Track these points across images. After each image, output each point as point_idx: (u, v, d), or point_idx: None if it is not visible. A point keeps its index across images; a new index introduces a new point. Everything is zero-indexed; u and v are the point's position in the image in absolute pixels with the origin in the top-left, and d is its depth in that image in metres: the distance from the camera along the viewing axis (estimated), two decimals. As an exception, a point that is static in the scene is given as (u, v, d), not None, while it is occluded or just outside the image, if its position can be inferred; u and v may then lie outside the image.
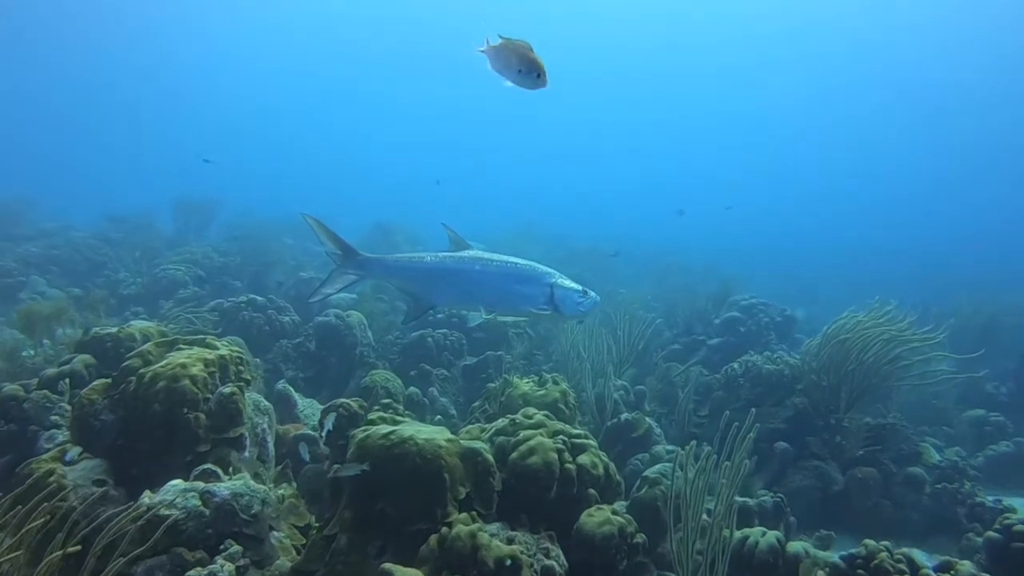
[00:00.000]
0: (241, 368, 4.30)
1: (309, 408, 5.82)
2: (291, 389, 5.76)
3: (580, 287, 4.40)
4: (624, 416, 5.58)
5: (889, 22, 47.50)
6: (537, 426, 3.81)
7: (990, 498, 5.67)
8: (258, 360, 6.99)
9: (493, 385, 5.14)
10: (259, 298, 7.77)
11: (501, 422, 3.95)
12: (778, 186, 56.44)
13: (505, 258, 4.41)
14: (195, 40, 51.13)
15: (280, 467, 4.58)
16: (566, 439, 3.74)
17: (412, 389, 6.34)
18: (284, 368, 7.20)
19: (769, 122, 60.68)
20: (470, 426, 4.22)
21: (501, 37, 3.48)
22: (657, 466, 5.04)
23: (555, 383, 4.81)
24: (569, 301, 4.33)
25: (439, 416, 6.17)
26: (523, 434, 3.69)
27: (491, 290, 4.34)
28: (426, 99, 60.95)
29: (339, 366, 7.01)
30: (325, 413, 4.47)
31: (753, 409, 3.72)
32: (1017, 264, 26.55)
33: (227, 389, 3.96)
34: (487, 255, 4.42)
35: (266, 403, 4.40)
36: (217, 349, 4.28)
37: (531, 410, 4.05)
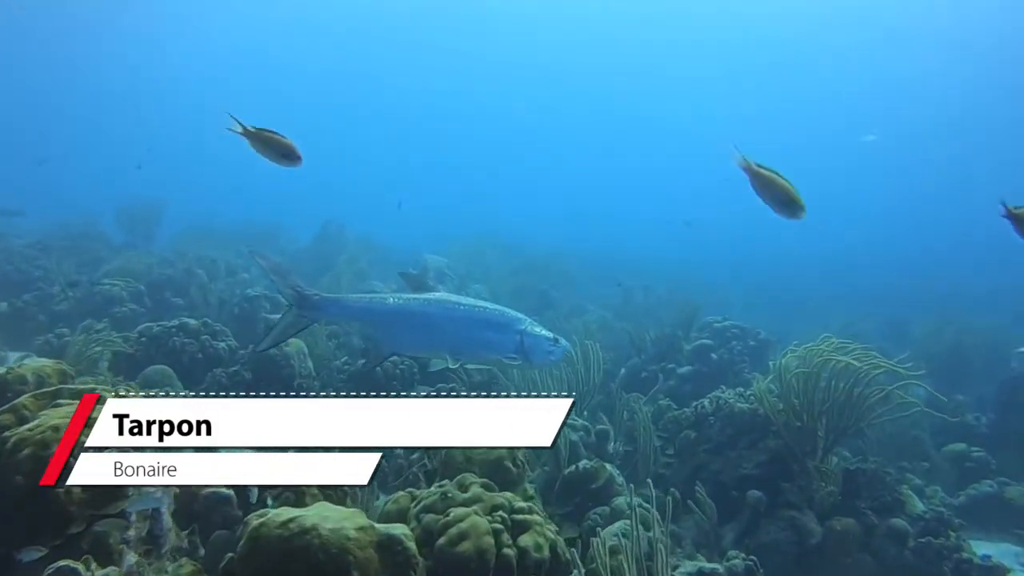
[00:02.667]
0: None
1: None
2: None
3: (551, 334, 4.11)
4: (583, 465, 5.06)
5: (872, 31, 47.79)
6: (472, 501, 3.27)
7: (978, 553, 5.28)
8: (186, 392, 6.39)
9: (434, 435, 4.58)
10: (192, 322, 7.12)
11: (431, 493, 3.41)
12: (748, 196, 56.47)
13: (473, 302, 4.12)
14: (150, 37, 49.67)
15: (187, 532, 3.99)
16: (506, 516, 3.21)
17: (352, 429, 5.76)
18: (217, 400, 6.58)
19: (743, 129, 60.95)
20: (400, 494, 3.66)
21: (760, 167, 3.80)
22: (617, 524, 4.55)
23: (502, 436, 4.25)
24: (539, 350, 4.05)
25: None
26: (454, 513, 3.14)
27: (457, 336, 4.02)
28: (389, 98, 60.35)
29: (275, 400, 6.38)
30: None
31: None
32: (988, 277, 26.64)
33: (109, 454, 3.36)
34: (454, 298, 4.10)
35: (162, 465, 3.78)
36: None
37: (468, 478, 3.50)
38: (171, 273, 10.53)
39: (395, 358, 7.06)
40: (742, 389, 6.21)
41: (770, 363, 6.23)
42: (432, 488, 3.55)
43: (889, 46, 48.99)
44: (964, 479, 7.20)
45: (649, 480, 4.17)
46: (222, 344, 7.11)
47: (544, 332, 4.08)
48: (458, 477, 3.54)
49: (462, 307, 4.02)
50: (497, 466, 4.06)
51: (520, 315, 4.13)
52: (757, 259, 27.66)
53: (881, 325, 15.18)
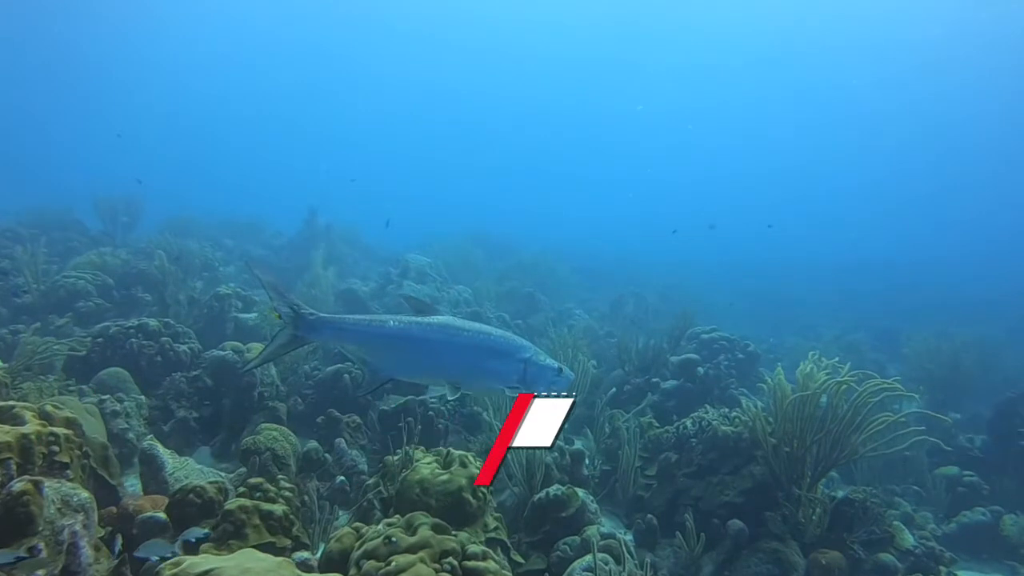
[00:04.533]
0: (55, 448, 3.38)
1: (183, 469, 4.88)
2: (158, 448, 4.81)
3: (555, 364, 3.86)
4: (553, 491, 4.74)
5: (875, 40, 47.53)
6: (419, 546, 2.94)
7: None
8: (142, 398, 6.04)
9: (391, 458, 4.26)
10: (152, 322, 6.76)
11: (376, 534, 3.08)
12: (741, 197, 56.50)
13: (477, 327, 3.85)
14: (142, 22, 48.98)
15: (116, 563, 3.65)
16: (455, 564, 2.89)
17: (311, 444, 5.45)
18: (175, 407, 6.24)
19: (737, 130, 60.69)
20: (345, 531, 3.34)
21: None
22: (585, 559, 4.24)
23: (463, 464, 3.93)
24: (543, 380, 3.82)
25: (341, 478, 5.29)
26: (396, 562, 2.82)
27: (459, 364, 3.77)
28: (384, 92, 59.88)
29: (234, 410, 6.06)
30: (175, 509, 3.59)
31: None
32: (980, 286, 26.48)
33: (18, 486, 3.01)
34: (458, 323, 3.84)
35: (82, 496, 3.44)
36: (24, 425, 3.35)
37: (418, 518, 3.18)
38: (144, 267, 10.15)
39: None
40: (727, 410, 5.90)
41: (764, 382, 5.90)
42: (379, 526, 3.23)
43: (881, 50, 48.77)
44: (956, 504, 6.93)
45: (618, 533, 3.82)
46: (183, 347, 6.77)
47: (549, 361, 3.86)
48: (407, 516, 3.21)
49: (465, 333, 3.79)
50: (455, 499, 3.75)
51: (525, 342, 3.92)
52: (752, 263, 27.43)
53: (873, 336, 14.96)
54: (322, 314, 3.80)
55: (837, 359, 5.43)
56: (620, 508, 6.00)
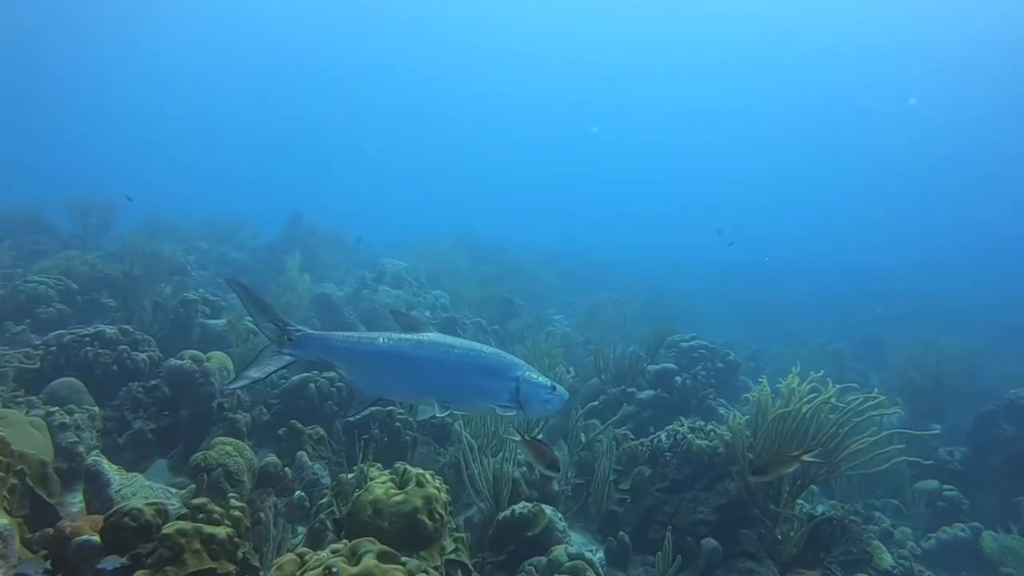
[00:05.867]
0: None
1: (130, 486, 4.63)
2: (103, 464, 4.56)
3: (549, 382, 3.74)
4: (518, 509, 4.54)
5: (865, 45, 47.92)
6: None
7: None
8: (96, 409, 5.78)
9: (346, 476, 4.05)
10: (109, 330, 6.50)
11: (318, 562, 2.87)
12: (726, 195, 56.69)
13: (468, 345, 3.74)
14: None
15: (48, 587, 3.43)
16: (400, 597, 2.68)
17: (270, 459, 5.22)
18: (132, 418, 5.99)
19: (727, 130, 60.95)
20: (288, 557, 3.11)
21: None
22: (553, 580, 4.06)
23: (419, 483, 3.73)
24: (536, 399, 3.70)
25: (300, 494, 5.06)
26: (335, 595, 2.61)
27: (449, 383, 3.66)
28: (370, 92, 59.70)
29: (192, 422, 5.81)
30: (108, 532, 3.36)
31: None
32: (963, 291, 26.60)
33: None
34: (448, 340, 3.72)
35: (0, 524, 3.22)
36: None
37: (363, 544, 2.97)
38: (111, 271, 9.87)
39: (332, 374, 6.54)
40: (702, 423, 5.73)
41: (746, 392, 5.74)
42: (323, 553, 3.02)
43: (868, 56, 49.22)
44: (936, 519, 6.82)
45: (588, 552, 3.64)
46: (142, 355, 6.52)
47: (541, 379, 3.74)
48: (353, 543, 3.00)
49: (455, 350, 3.67)
50: (410, 520, 3.54)
51: (517, 360, 3.80)
52: (737, 269, 27.42)
53: (856, 344, 14.90)
54: (309, 331, 3.65)
55: (823, 372, 5.29)
56: (593, 524, 5.81)
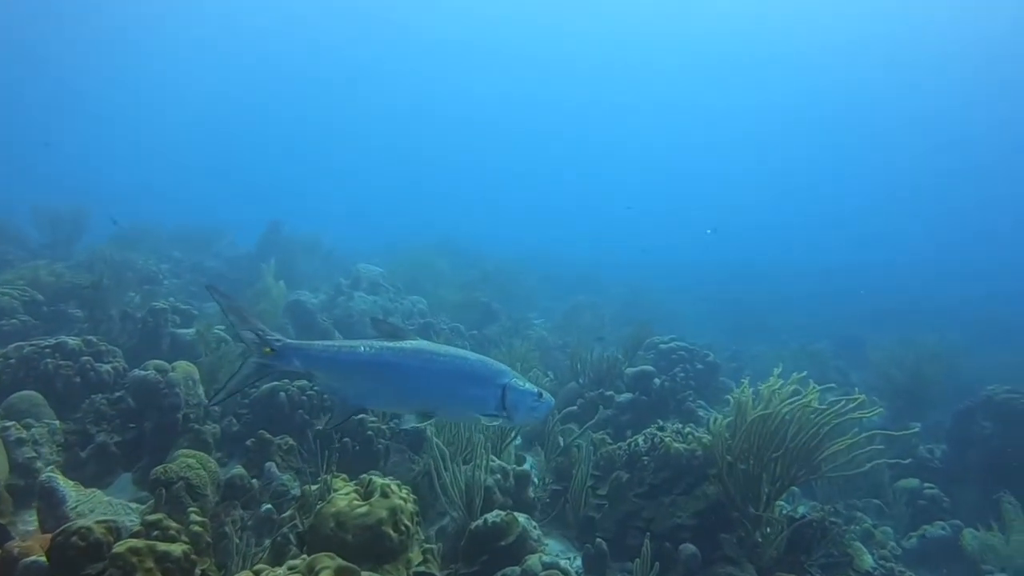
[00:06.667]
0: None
1: (88, 502, 4.46)
2: (57, 480, 4.39)
3: (535, 389, 3.67)
4: (491, 518, 4.42)
5: (853, 45, 48.33)
6: (318, 595, 2.61)
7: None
8: (56, 423, 5.59)
9: (310, 487, 3.91)
10: (71, 340, 6.31)
11: (273, 580, 2.74)
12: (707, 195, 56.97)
13: (453, 352, 3.68)
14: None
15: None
16: (358, 616, 2.56)
17: (236, 470, 5.05)
18: (95, 431, 5.79)
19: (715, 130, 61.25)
20: (244, 574, 2.98)
21: None
22: (525, 594, 3.94)
23: (384, 494, 3.60)
24: (523, 406, 3.64)
25: (268, 506, 4.91)
26: (288, 616, 2.48)
27: (435, 391, 3.59)
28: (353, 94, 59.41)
29: (156, 434, 5.64)
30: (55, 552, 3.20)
31: None
32: (942, 290, 26.84)
33: None
34: (432, 348, 3.66)
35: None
36: None
37: (320, 560, 2.84)
38: (79, 281, 9.63)
39: (303, 382, 6.39)
40: (680, 426, 5.64)
41: (727, 394, 5.66)
42: (280, 570, 2.89)
43: (852, 54, 49.68)
44: (917, 518, 6.79)
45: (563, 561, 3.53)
46: (106, 366, 6.33)
47: (528, 386, 3.68)
48: (310, 559, 2.87)
49: (440, 358, 3.60)
50: (374, 533, 3.41)
51: (503, 366, 3.75)
52: (719, 267, 27.52)
53: (836, 343, 14.94)
54: (289, 341, 3.55)
55: (806, 372, 5.21)
56: (571, 530, 5.70)
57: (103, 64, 51.92)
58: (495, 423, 3.71)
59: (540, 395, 3.68)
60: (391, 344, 3.57)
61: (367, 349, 3.54)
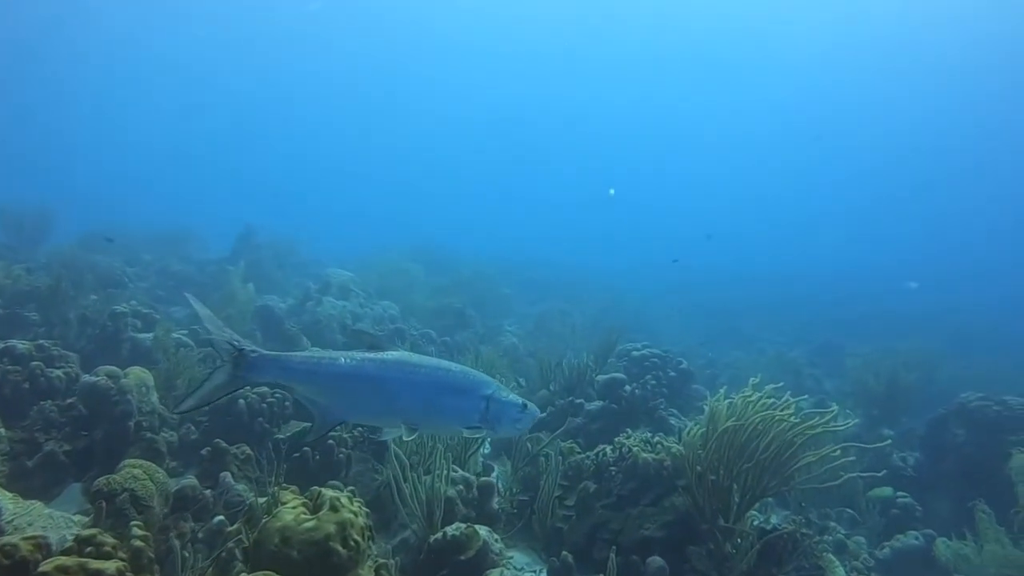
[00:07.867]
0: None
1: (26, 515, 4.22)
2: (-7, 492, 4.16)
3: (519, 400, 3.60)
4: (451, 532, 4.26)
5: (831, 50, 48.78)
6: (249, 618, 2.43)
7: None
8: (2, 431, 5.35)
9: (257, 500, 3.73)
10: (21, 345, 6.07)
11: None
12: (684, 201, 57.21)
13: (435, 363, 3.63)
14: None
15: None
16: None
17: (188, 481, 4.85)
18: (43, 439, 5.55)
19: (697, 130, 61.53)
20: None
21: None
22: (486, 610, 3.78)
23: (334, 508, 3.41)
24: (506, 418, 3.58)
25: (219, 517, 4.70)
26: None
27: (417, 403, 3.49)
28: (327, 99, 59.10)
29: (106, 443, 5.41)
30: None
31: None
32: (917, 296, 27.08)
33: None
34: (415, 359, 3.56)
35: None
36: None
37: (261, 579, 2.67)
38: (40, 284, 9.34)
39: (263, 389, 6.19)
40: (649, 435, 5.51)
41: (701, 401, 5.55)
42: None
43: (819, 66, 50.25)
44: (891, 527, 6.72)
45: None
46: (57, 372, 6.08)
47: (512, 397, 3.60)
48: (249, 577, 2.70)
49: (422, 370, 3.53)
50: (321, 549, 3.23)
51: (487, 378, 3.70)
52: (697, 272, 27.57)
53: (812, 351, 14.97)
54: (266, 352, 3.41)
55: (782, 384, 5.10)
56: (539, 542, 5.55)
57: (86, 62, 51.39)
58: (479, 435, 3.67)
59: (525, 406, 3.60)
60: (372, 356, 3.47)
61: (347, 361, 3.44)
